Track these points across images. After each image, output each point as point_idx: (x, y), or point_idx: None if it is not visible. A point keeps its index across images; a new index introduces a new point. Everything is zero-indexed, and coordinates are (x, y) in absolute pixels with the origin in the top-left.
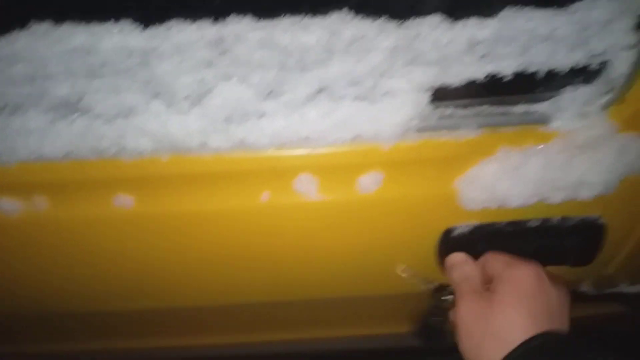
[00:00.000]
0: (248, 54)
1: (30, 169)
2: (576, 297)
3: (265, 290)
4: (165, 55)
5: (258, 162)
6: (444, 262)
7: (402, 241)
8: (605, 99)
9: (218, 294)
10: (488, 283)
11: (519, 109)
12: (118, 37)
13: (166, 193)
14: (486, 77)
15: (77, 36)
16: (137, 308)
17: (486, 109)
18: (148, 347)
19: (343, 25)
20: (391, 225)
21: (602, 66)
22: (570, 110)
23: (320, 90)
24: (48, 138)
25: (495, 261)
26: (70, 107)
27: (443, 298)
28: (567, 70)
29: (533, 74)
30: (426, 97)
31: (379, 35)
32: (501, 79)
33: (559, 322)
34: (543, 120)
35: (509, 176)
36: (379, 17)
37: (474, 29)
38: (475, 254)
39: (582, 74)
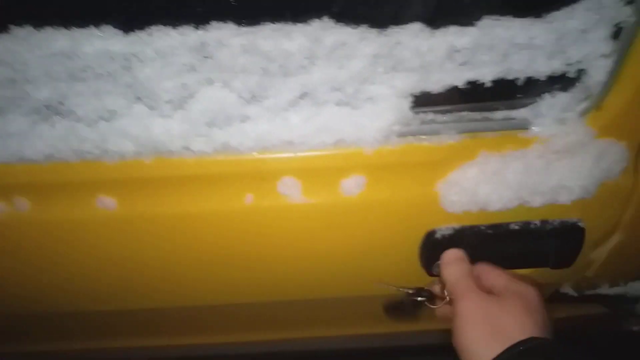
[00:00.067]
0: (231, 60)
1: (11, 171)
2: (558, 299)
3: (249, 291)
4: (147, 60)
5: (241, 165)
6: (437, 259)
7: (385, 243)
8: (583, 105)
9: (202, 294)
10: (484, 291)
11: (499, 114)
12: (99, 42)
13: (149, 195)
14: (466, 83)
15: (58, 41)
16: (120, 308)
17: (466, 114)
18: (136, 347)
19: (324, 33)
20: (374, 227)
21: (580, 74)
22: (549, 116)
23: (303, 96)
24: (29, 140)
25: (496, 274)
26: (51, 110)
27: (419, 299)
28: (546, 77)
29: (512, 81)
30: (407, 103)
31: (360, 42)
32: (481, 85)
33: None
34: (522, 125)
35: (489, 180)
36: (360, 25)
37: (453, 37)
38: None
39: (560, 82)
